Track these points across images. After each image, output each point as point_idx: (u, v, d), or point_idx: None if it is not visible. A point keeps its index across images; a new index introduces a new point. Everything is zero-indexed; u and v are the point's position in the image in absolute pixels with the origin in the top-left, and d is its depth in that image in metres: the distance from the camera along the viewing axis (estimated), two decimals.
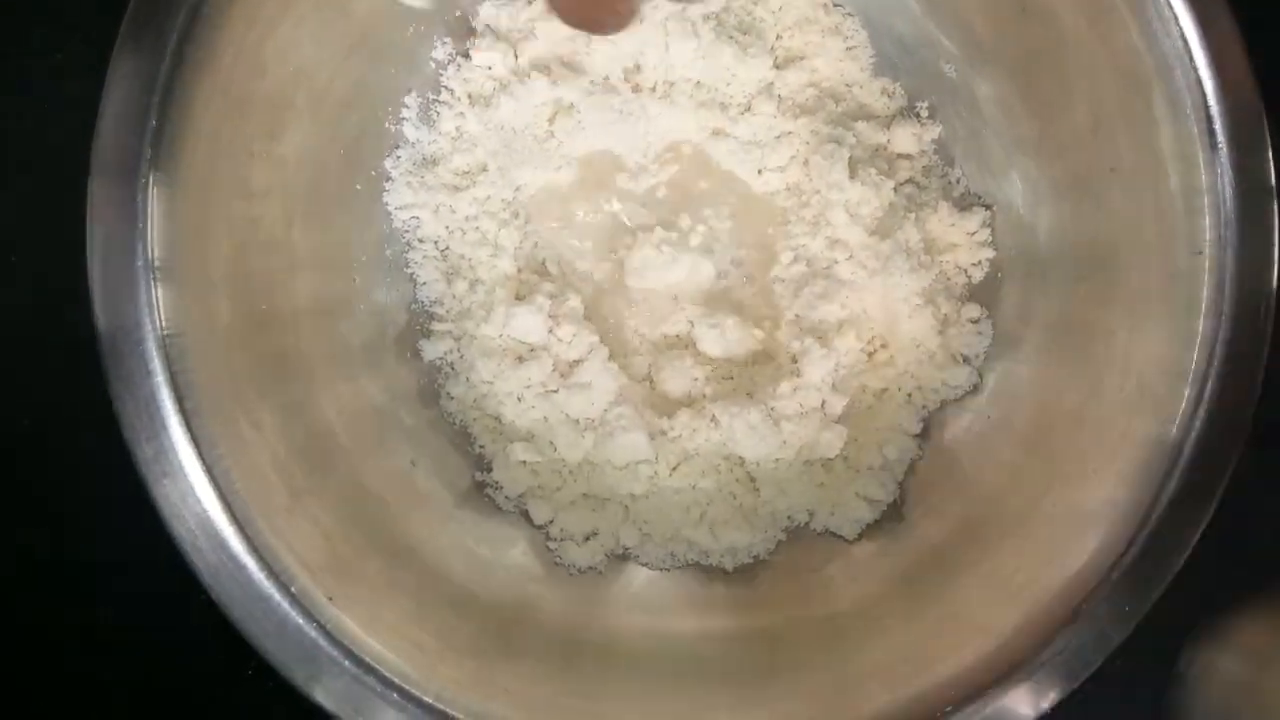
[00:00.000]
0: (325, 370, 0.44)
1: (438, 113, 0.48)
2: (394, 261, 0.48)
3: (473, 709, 0.38)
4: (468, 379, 0.48)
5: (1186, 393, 0.38)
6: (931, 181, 0.49)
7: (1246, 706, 0.46)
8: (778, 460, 0.46)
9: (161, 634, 0.47)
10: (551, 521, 0.47)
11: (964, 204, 0.49)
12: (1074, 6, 0.41)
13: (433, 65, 0.48)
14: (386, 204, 0.48)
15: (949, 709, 0.37)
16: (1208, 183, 0.38)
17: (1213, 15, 0.38)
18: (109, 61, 0.37)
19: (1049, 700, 0.37)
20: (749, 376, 0.48)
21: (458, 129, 0.48)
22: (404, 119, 0.48)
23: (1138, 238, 0.41)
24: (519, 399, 0.47)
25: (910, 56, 0.49)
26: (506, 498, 0.47)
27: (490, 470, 0.47)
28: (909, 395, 0.48)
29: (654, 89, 0.49)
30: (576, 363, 0.47)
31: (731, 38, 0.48)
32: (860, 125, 0.49)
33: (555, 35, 0.48)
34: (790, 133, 0.48)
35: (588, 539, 0.47)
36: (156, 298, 0.37)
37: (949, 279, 0.48)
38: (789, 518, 0.47)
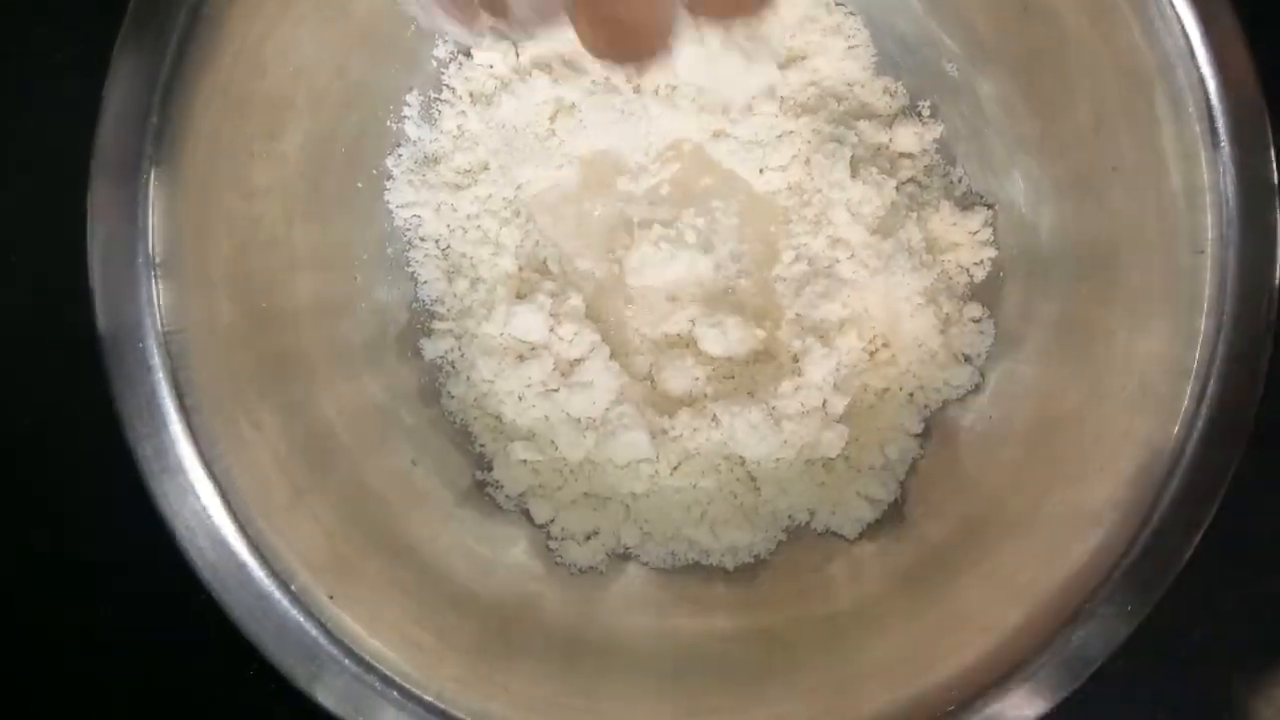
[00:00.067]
0: (326, 369, 0.44)
1: (439, 111, 0.48)
2: (395, 260, 0.48)
3: (473, 708, 0.38)
4: (468, 378, 0.48)
5: (1188, 392, 0.38)
6: (933, 181, 0.49)
7: None
8: (779, 459, 0.46)
9: (162, 634, 0.47)
10: (552, 520, 0.47)
11: (966, 203, 0.49)
12: (1076, 5, 0.41)
13: (434, 63, 0.48)
14: (388, 202, 0.48)
15: (950, 709, 0.37)
16: (1210, 181, 0.38)
17: (1215, 13, 0.38)
18: (109, 61, 0.37)
19: (1050, 700, 0.37)
20: (750, 376, 0.48)
21: (459, 127, 0.48)
22: (405, 117, 0.48)
23: (1140, 236, 0.41)
24: (520, 398, 0.47)
25: (912, 55, 0.49)
26: (507, 497, 0.47)
27: (491, 469, 0.47)
28: (910, 395, 0.48)
29: (656, 91, 0.48)
30: (577, 361, 0.47)
31: (739, 46, 0.48)
32: (862, 124, 0.49)
33: (557, 34, 0.48)
34: (792, 132, 0.48)
35: (588, 538, 0.47)
36: (157, 296, 0.37)
37: (951, 278, 0.48)
38: (790, 517, 0.47)
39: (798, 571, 0.46)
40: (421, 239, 0.48)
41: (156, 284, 0.37)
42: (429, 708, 0.38)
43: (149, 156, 0.37)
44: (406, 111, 0.48)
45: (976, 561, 0.42)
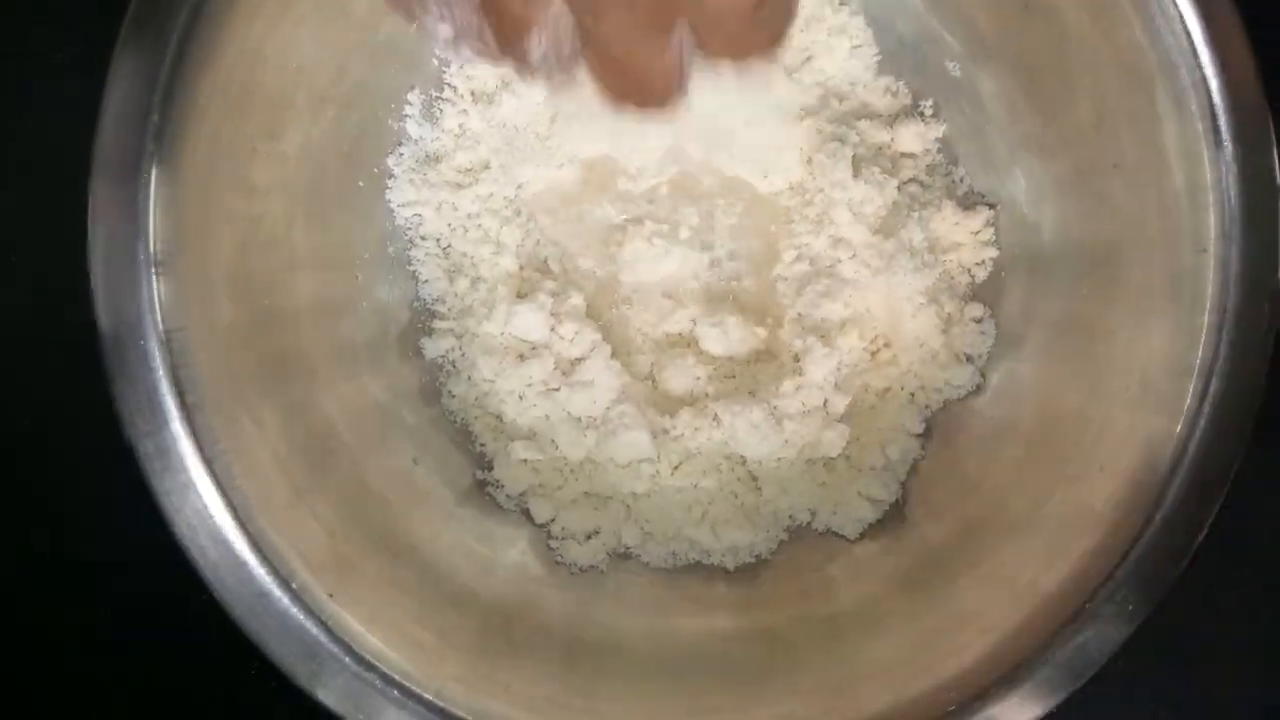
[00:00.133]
0: (327, 368, 0.44)
1: (440, 110, 0.48)
2: (396, 259, 0.48)
3: (474, 707, 0.38)
4: (469, 377, 0.48)
5: (1190, 390, 0.38)
6: (935, 180, 0.49)
7: None
8: (780, 459, 0.46)
9: (162, 634, 0.47)
10: (553, 520, 0.47)
11: (968, 203, 0.49)
12: (1077, 3, 0.41)
13: (435, 62, 0.48)
14: (389, 201, 0.48)
15: (951, 709, 0.37)
16: (1212, 179, 0.38)
17: (1217, 11, 0.38)
18: (109, 61, 0.37)
19: (1051, 701, 0.37)
20: (751, 375, 0.48)
21: (460, 126, 0.48)
22: (406, 116, 0.48)
23: (1142, 235, 0.41)
24: (520, 397, 0.47)
25: (914, 55, 0.49)
26: (508, 496, 0.47)
27: (491, 469, 0.47)
28: (912, 395, 0.48)
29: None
30: (578, 361, 0.47)
31: (754, 92, 0.48)
32: (864, 124, 0.49)
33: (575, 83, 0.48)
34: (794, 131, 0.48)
35: (589, 538, 0.47)
36: (158, 294, 0.37)
37: (952, 278, 0.48)
38: (791, 517, 0.47)
39: (799, 571, 0.46)
40: (422, 238, 0.48)
41: (157, 282, 0.37)
42: (429, 706, 0.38)
43: (150, 155, 0.37)
44: (408, 110, 0.48)
45: (977, 562, 0.42)
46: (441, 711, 0.38)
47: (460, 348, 0.48)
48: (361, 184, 0.47)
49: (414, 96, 0.48)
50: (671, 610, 0.45)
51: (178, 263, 0.38)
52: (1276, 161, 0.38)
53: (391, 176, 0.48)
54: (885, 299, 0.47)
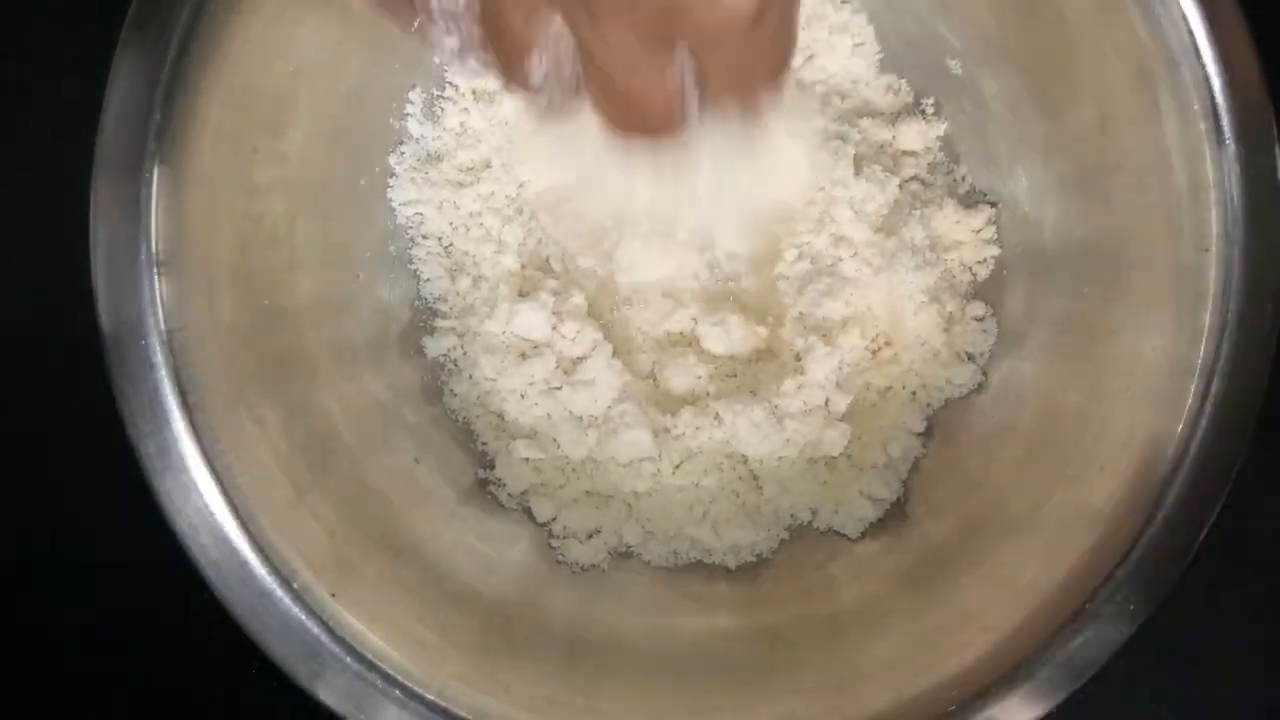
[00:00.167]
0: (328, 367, 0.44)
1: (442, 109, 0.48)
2: (398, 258, 0.48)
3: (475, 706, 0.38)
4: (471, 376, 0.48)
5: (1192, 390, 0.38)
6: (937, 179, 0.49)
7: None
8: (781, 458, 0.46)
9: (163, 634, 0.47)
10: (554, 519, 0.47)
11: (969, 201, 0.49)
12: (1080, 2, 0.41)
13: (437, 61, 0.48)
14: (390, 200, 0.48)
15: (951, 708, 0.37)
16: (1215, 179, 0.38)
17: (1220, 10, 0.37)
18: (109, 61, 0.37)
19: (1052, 700, 0.37)
20: (752, 374, 0.48)
21: (462, 125, 0.48)
22: (408, 115, 0.48)
23: (1144, 234, 0.41)
24: (522, 396, 0.47)
25: (916, 53, 0.49)
26: (509, 495, 0.47)
27: (493, 467, 0.47)
28: (913, 393, 0.48)
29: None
30: (580, 360, 0.47)
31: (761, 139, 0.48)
32: (865, 122, 0.49)
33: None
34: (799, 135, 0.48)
35: (590, 536, 0.47)
36: (160, 294, 0.37)
37: (954, 276, 0.48)
38: (792, 516, 0.47)
39: (800, 570, 0.46)
40: (424, 237, 0.48)
41: (159, 282, 0.37)
42: (430, 706, 0.38)
43: (152, 154, 0.37)
44: (409, 109, 0.48)
45: (978, 561, 0.42)
46: (443, 711, 0.38)
47: (462, 346, 0.48)
48: (363, 183, 0.47)
49: (415, 95, 0.48)
50: (673, 609, 0.45)
51: (179, 262, 0.38)
52: (1279, 161, 0.38)
53: (393, 175, 0.48)
54: (887, 297, 0.47)
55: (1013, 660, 0.37)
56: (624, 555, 0.47)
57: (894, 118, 0.49)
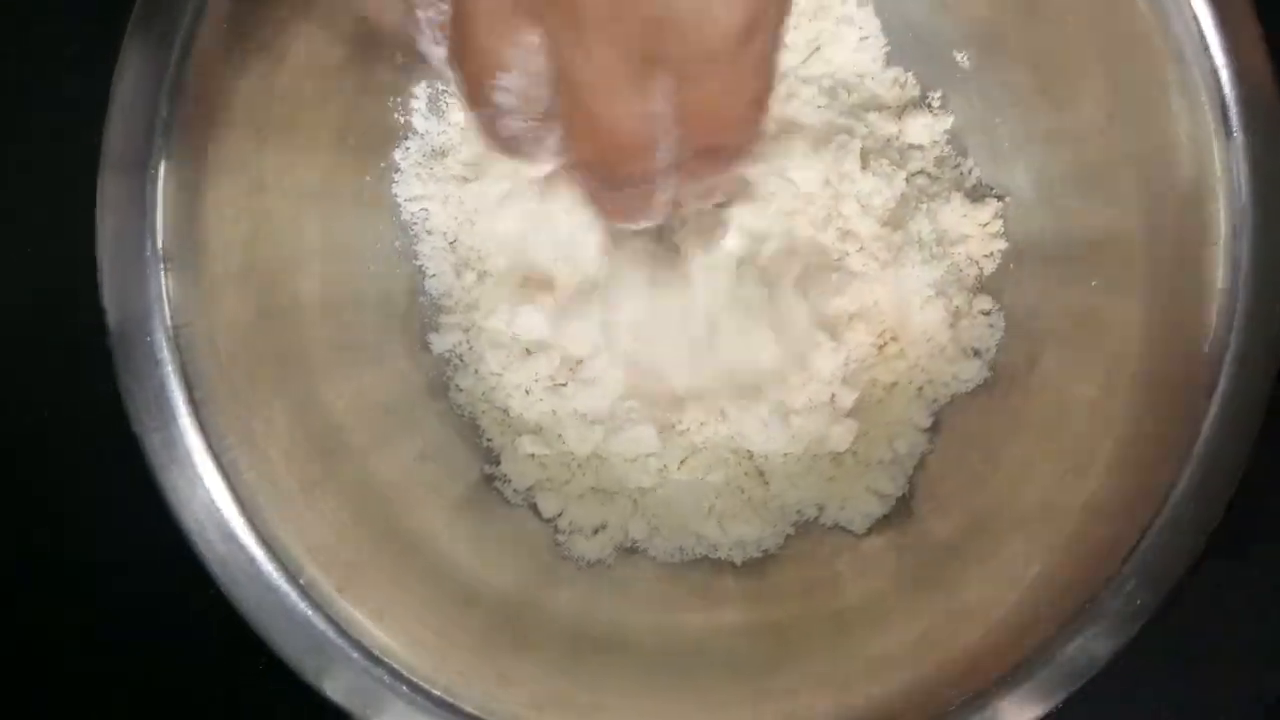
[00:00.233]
0: (334, 362, 0.44)
1: (447, 104, 0.48)
2: (403, 253, 0.48)
3: (481, 702, 0.38)
4: (476, 371, 0.48)
5: (1199, 386, 0.38)
6: (944, 172, 0.49)
7: None
8: (787, 454, 0.46)
9: (164, 634, 0.47)
10: (560, 514, 0.47)
11: (976, 195, 0.48)
12: None
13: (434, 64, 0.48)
14: (395, 195, 0.48)
15: (956, 704, 0.37)
16: (1222, 171, 0.38)
17: (1228, 1, 0.37)
18: (110, 61, 0.37)
19: (1055, 698, 0.37)
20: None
21: (467, 120, 0.48)
22: (414, 110, 0.48)
23: (1150, 228, 0.41)
24: (527, 392, 0.47)
25: (922, 46, 0.48)
26: (515, 490, 0.47)
27: (499, 463, 0.47)
28: (920, 389, 0.48)
29: None
30: (583, 359, 0.47)
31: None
32: (872, 116, 0.48)
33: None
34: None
35: (596, 532, 0.47)
36: (166, 289, 0.37)
37: (961, 270, 0.48)
38: (798, 512, 0.47)
39: (806, 566, 0.46)
40: (429, 232, 0.48)
41: (165, 278, 0.37)
42: (437, 701, 0.38)
43: (158, 150, 0.37)
44: (415, 104, 0.48)
45: (984, 557, 0.42)
46: (449, 706, 0.38)
47: (467, 341, 0.48)
48: (368, 178, 0.47)
49: (420, 90, 0.48)
50: (678, 605, 0.45)
51: (185, 258, 0.38)
52: None
53: (398, 170, 0.48)
54: (893, 292, 0.47)
55: (1015, 658, 0.37)
56: (629, 551, 0.47)
57: (901, 111, 0.49)
